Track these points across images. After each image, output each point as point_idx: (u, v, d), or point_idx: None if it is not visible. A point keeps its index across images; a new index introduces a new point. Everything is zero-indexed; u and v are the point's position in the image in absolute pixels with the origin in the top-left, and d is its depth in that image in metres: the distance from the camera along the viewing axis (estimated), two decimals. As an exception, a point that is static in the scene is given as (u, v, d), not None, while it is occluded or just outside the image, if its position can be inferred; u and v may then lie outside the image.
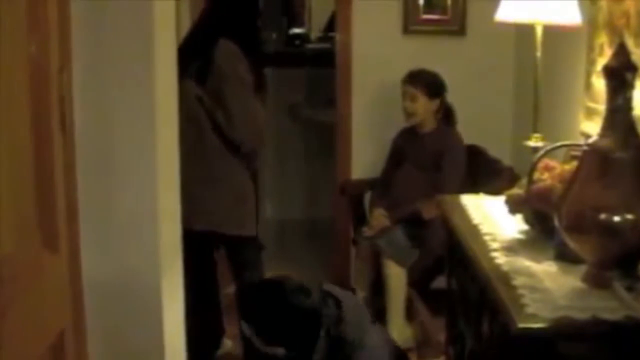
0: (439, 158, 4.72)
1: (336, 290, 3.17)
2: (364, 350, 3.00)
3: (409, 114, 4.80)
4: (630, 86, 2.37)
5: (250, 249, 4.23)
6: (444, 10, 5.21)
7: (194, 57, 4.04)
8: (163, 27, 3.02)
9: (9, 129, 2.07)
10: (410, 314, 4.43)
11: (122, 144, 2.88)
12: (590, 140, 2.44)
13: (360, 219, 5.07)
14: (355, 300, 3.13)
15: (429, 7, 5.20)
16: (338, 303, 3.08)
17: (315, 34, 7.89)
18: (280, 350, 3.00)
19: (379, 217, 4.74)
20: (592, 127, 3.53)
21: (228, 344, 4.52)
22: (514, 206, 2.97)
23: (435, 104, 4.79)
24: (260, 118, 4.07)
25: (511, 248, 2.81)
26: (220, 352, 4.51)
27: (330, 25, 6.86)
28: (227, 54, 4.00)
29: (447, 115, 4.86)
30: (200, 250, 4.22)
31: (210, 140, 4.04)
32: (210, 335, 4.45)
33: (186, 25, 4.69)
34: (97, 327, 2.85)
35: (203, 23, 4.23)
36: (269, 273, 4.32)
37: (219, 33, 4.07)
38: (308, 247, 4.99)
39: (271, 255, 4.71)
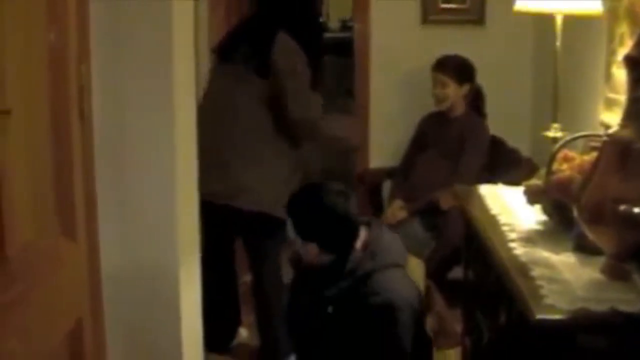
0: (462, 143, 4.71)
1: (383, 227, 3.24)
2: (388, 279, 3.03)
3: (439, 100, 4.81)
4: (651, 77, 2.35)
5: (271, 240, 4.24)
6: (462, 0, 5.19)
7: (244, 43, 4.05)
8: (181, 19, 3.02)
9: (28, 118, 2.08)
10: (426, 304, 4.43)
11: (140, 134, 2.89)
12: (610, 131, 2.42)
13: (378, 209, 5.06)
14: (397, 242, 3.17)
15: (448, -4, 5.19)
16: (379, 232, 3.19)
17: (333, 23, 7.87)
18: (314, 247, 3.06)
19: (395, 210, 4.74)
20: (612, 118, 3.51)
21: (244, 333, 4.52)
22: (533, 197, 2.96)
23: (465, 88, 4.80)
24: (317, 113, 4.09)
25: (529, 239, 2.80)
26: (235, 342, 4.51)
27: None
28: (286, 50, 3.98)
29: (476, 99, 4.85)
30: (219, 239, 4.22)
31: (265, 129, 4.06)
32: (226, 325, 4.45)
33: (204, 21, 4.71)
34: (115, 316, 2.86)
35: (260, 13, 4.20)
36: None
37: (277, 25, 4.03)
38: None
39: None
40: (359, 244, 3.11)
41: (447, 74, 4.77)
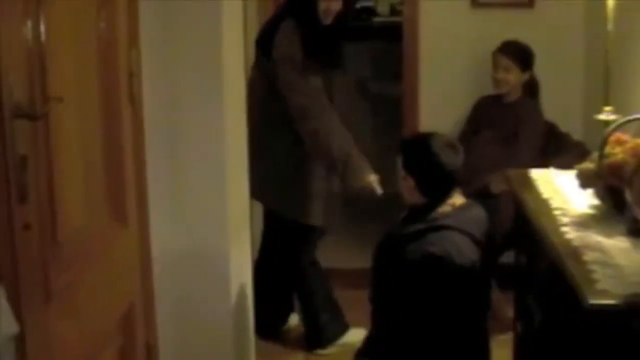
0: (517, 128, 4.68)
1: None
2: (456, 241, 3.08)
3: (500, 84, 4.77)
4: None
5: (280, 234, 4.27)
6: (512, -17, 5.14)
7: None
8: (230, 6, 3.03)
9: (79, 104, 2.10)
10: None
11: (190, 119, 2.91)
12: (664, 114, 2.40)
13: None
14: (484, 222, 3.22)
15: (498, -21, 5.14)
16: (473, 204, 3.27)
17: (382, 7, 7.84)
18: (411, 183, 3.17)
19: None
20: (665, 100, 3.47)
21: (294, 320, 4.52)
22: (585, 181, 2.93)
23: (526, 75, 4.76)
24: (306, 98, 3.96)
25: (582, 223, 2.77)
26: (286, 327, 4.52)
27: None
28: (280, 35, 3.96)
29: (532, 86, 4.82)
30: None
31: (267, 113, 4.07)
32: (277, 310, 4.46)
33: (253, 17, 4.72)
34: (167, 299, 2.89)
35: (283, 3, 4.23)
36: (331, 251, 4.35)
37: (284, 13, 4.05)
38: (377, 222, 4.98)
39: (337, 233, 4.71)
40: (451, 201, 3.17)
41: (512, 58, 4.74)
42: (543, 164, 3.66)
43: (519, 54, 4.74)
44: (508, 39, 4.80)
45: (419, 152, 3.21)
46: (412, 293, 3.07)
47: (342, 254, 5.21)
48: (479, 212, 3.23)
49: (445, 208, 3.15)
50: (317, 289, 4.28)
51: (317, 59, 3.99)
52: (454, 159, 3.17)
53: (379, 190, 4.00)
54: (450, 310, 3.06)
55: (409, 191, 3.19)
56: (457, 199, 3.20)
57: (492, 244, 3.29)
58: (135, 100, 2.55)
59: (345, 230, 5.20)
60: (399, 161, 3.22)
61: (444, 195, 3.17)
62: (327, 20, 4.02)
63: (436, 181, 3.17)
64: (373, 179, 4.01)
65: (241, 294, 3.30)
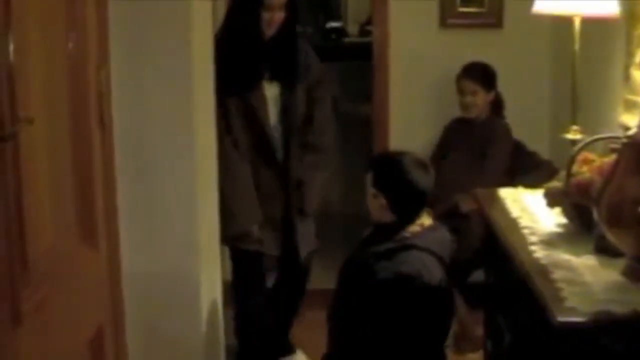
0: (486, 147, 4.71)
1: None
2: (425, 261, 3.10)
3: (468, 108, 4.78)
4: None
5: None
6: (480, 3, 5.18)
7: None
8: (200, 20, 3.03)
9: (49, 125, 2.09)
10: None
11: (160, 141, 2.91)
12: (630, 133, 2.42)
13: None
14: (450, 244, 3.23)
15: (466, 0, 5.17)
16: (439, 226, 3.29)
17: (351, 28, 7.86)
18: (382, 201, 3.17)
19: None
20: (631, 119, 3.50)
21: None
22: (553, 199, 2.95)
23: (491, 94, 4.79)
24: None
25: (550, 241, 2.79)
26: None
27: (370, 19, 6.83)
28: None
29: (497, 104, 4.85)
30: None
31: None
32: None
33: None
34: (136, 322, 2.87)
35: None
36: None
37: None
38: (345, 242, 4.97)
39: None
40: (420, 221, 3.18)
41: (477, 81, 4.76)
42: (511, 182, 3.68)
43: (484, 77, 4.77)
44: (469, 62, 4.83)
45: (391, 170, 3.21)
46: (379, 311, 3.07)
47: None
48: (445, 234, 3.25)
49: (414, 228, 3.16)
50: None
51: (253, 75, 3.89)
52: (425, 179, 3.19)
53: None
54: (413, 329, 3.07)
55: (379, 209, 3.19)
56: (426, 219, 3.21)
57: (455, 266, 3.31)
58: (104, 121, 2.54)
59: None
60: (369, 178, 3.22)
61: (415, 214, 3.18)
62: (271, 32, 3.88)
63: (408, 200, 3.18)
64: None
65: (212, 316, 3.29)
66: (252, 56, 3.88)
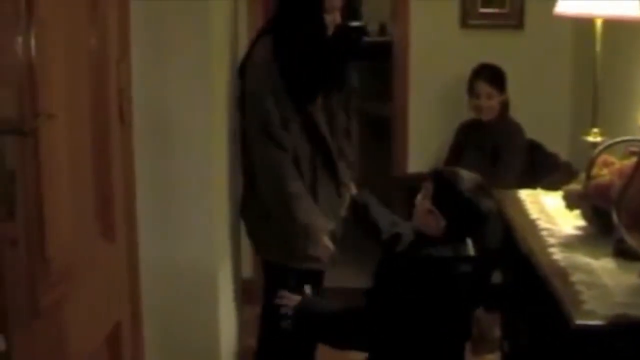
0: (500, 147, 4.69)
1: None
2: None
3: (484, 111, 4.75)
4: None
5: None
6: (502, 4, 5.16)
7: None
8: (220, 18, 3.04)
9: (70, 121, 2.09)
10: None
11: (180, 136, 2.91)
12: (651, 136, 2.41)
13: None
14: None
15: (487, 1, 5.16)
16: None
17: (371, 27, 7.86)
18: (440, 218, 2.94)
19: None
20: (652, 122, 3.48)
21: None
22: (572, 202, 2.94)
23: (505, 96, 4.77)
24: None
25: (569, 244, 2.78)
26: None
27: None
28: (256, 59, 3.38)
29: (505, 104, 4.84)
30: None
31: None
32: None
33: (243, 24, 4.70)
34: (153, 316, 2.88)
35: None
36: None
37: (263, 29, 3.54)
38: (362, 245, 4.96)
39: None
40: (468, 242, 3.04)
41: (492, 84, 4.73)
42: (530, 184, 3.67)
43: (497, 79, 4.74)
44: (480, 64, 4.80)
45: (456, 196, 2.98)
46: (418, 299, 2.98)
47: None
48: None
49: (464, 246, 3.06)
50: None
51: (314, 84, 3.51)
52: (489, 204, 3.08)
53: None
54: (447, 321, 3.01)
55: (431, 226, 3.06)
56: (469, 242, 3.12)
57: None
58: (124, 116, 2.55)
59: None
60: (427, 190, 3.03)
61: (466, 237, 3.09)
62: (329, 34, 3.48)
63: (468, 227, 3.09)
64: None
65: (229, 312, 3.30)
66: (322, 64, 3.53)
